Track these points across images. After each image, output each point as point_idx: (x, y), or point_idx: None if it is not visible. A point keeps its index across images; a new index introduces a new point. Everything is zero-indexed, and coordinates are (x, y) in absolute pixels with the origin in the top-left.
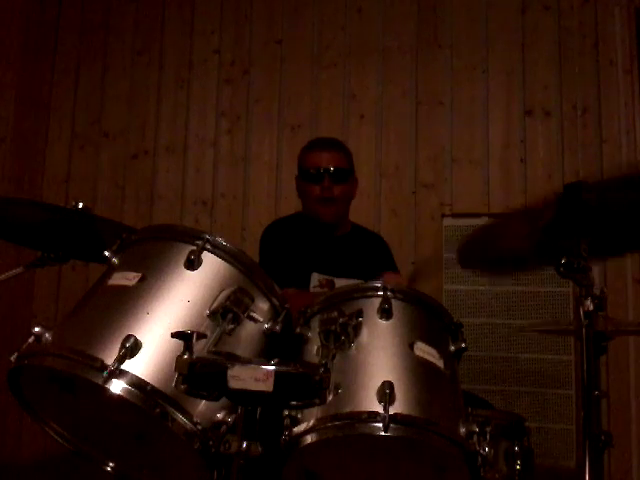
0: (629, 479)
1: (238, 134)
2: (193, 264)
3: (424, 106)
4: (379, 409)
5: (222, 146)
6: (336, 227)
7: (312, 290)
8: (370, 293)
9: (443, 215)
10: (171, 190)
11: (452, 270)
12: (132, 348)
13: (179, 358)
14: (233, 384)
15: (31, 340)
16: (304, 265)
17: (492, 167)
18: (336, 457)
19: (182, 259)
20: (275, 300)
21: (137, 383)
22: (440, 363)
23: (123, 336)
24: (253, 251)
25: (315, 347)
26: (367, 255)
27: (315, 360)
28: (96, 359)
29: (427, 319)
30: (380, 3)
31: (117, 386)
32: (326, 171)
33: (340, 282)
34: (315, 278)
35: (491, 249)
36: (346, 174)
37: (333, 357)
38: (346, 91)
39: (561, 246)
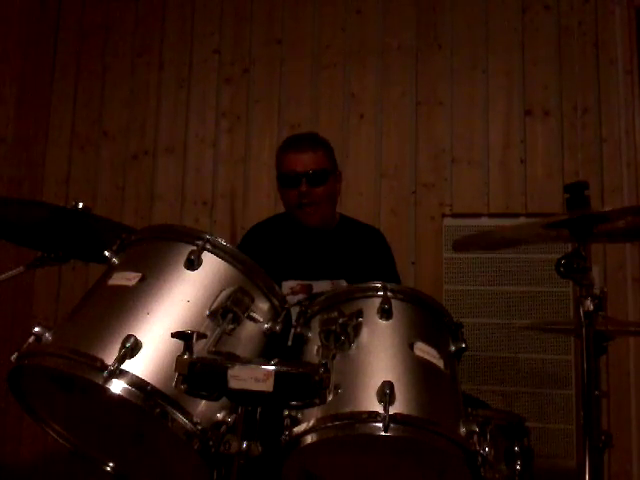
0: (629, 479)
1: (238, 134)
2: (193, 264)
3: (424, 106)
4: (379, 409)
5: (222, 146)
6: (321, 230)
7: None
8: (370, 293)
9: (443, 215)
10: (171, 190)
11: (452, 270)
12: (132, 348)
13: (179, 358)
14: (233, 384)
15: (31, 340)
16: (272, 275)
17: (492, 167)
18: (336, 457)
19: (182, 259)
20: (275, 300)
21: (137, 383)
22: (440, 363)
23: (123, 336)
24: None
25: (315, 347)
26: (355, 251)
27: (315, 360)
28: (96, 359)
29: (427, 319)
30: (380, 3)
31: (117, 386)
32: (302, 175)
33: (318, 285)
34: (286, 286)
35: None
36: (325, 175)
37: (333, 357)
38: (346, 91)
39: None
